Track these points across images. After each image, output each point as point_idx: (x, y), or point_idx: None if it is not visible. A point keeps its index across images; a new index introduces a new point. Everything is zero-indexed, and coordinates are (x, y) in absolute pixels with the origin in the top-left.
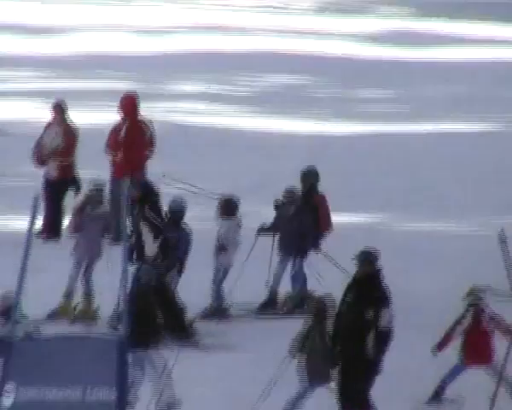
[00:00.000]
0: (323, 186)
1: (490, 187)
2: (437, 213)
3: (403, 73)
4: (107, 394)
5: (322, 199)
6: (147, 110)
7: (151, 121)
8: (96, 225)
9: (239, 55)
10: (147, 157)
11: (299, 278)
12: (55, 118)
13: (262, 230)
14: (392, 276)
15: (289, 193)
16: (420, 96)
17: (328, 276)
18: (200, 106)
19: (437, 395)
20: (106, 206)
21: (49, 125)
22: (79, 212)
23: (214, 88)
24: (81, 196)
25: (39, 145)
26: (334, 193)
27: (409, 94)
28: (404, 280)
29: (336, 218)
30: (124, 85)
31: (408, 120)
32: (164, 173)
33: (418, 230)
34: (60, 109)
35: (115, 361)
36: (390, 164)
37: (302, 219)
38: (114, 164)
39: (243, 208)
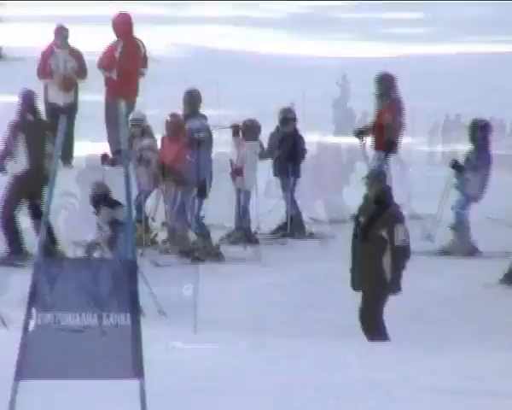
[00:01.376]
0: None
1: None
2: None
3: None
4: (123, 318)
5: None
6: (174, 34)
7: (142, 42)
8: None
9: None
10: (140, 75)
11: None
12: (56, 42)
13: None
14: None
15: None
16: (448, 18)
17: None
18: (227, 30)
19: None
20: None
21: (50, 51)
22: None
23: (240, 12)
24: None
25: (49, 72)
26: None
27: (437, 15)
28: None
29: None
30: (149, 9)
31: (436, 42)
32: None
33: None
34: (63, 33)
35: (127, 285)
36: (419, 87)
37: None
38: (108, 84)
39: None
